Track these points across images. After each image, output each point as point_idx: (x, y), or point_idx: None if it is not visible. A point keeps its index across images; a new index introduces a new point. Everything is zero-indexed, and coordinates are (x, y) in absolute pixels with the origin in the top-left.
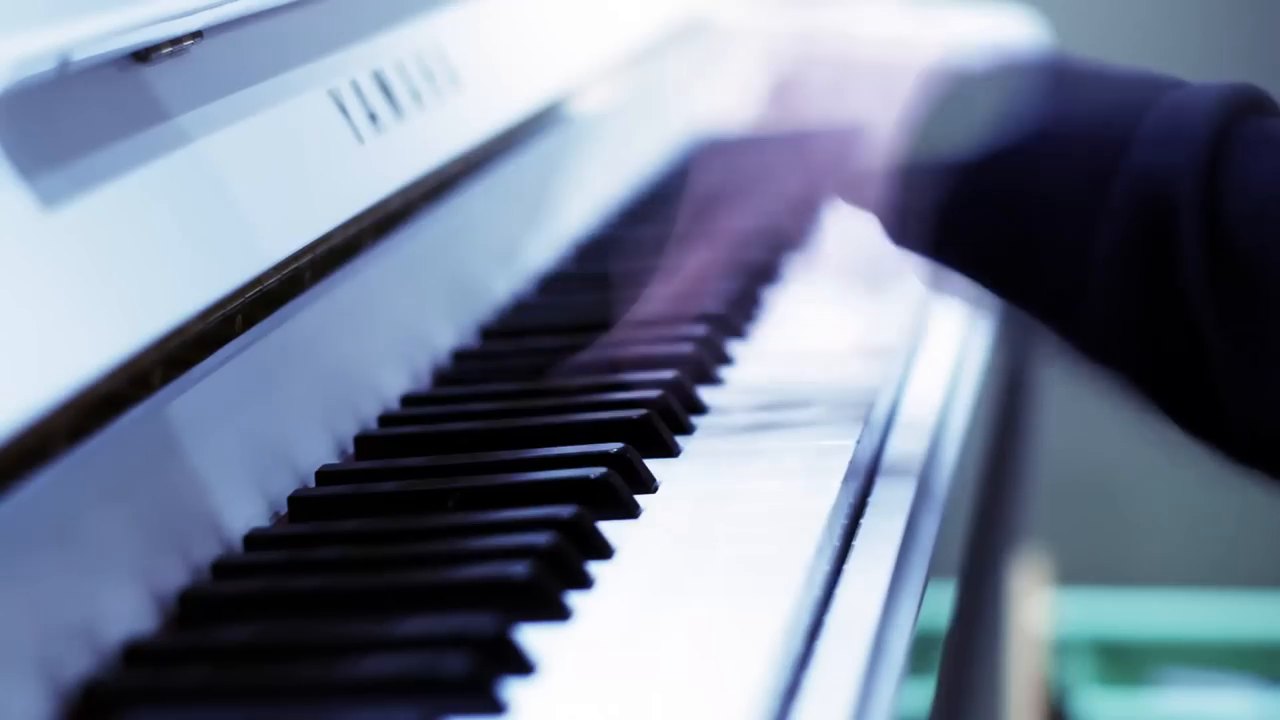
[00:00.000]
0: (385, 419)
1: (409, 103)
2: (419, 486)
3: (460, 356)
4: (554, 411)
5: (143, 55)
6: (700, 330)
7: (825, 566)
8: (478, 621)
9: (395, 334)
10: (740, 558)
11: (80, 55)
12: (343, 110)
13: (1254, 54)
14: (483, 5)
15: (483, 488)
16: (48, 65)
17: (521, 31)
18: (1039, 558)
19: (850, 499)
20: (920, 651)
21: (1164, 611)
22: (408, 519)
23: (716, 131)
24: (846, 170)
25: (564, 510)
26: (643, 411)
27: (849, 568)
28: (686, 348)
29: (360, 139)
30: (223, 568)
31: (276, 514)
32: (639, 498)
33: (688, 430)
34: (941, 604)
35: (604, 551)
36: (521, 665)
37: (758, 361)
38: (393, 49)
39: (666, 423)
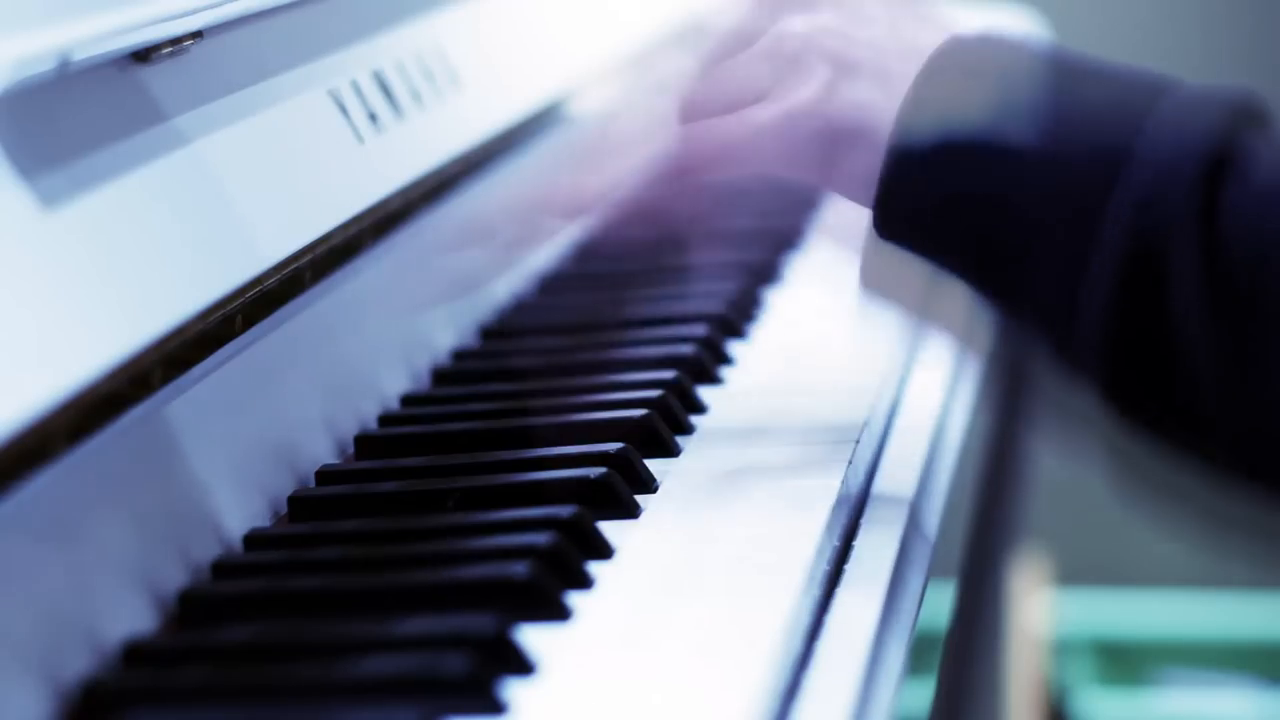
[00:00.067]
0: (385, 419)
1: (409, 103)
2: (419, 486)
3: (460, 356)
4: (554, 411)
5: (143, 55)
6: (700, 330)
7: (825, 566)
8: (478, 621)
9: (395, 334)
10: (740, 558)
11: (80, 55)
12: (343, 110)
13: (1254, 54)
14: (483, 5)
15: (483, 488)
16: (48, 65)
17: (521, 31)
18: (1039, 558)
19: (851, 499)
20: (920, 651)
21: (1164, 611)
22: (408, 519)
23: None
24: (842, 166)
25: (564, 510)
26: (643, 411)
27: (849, 567)
28: (686, 348)
29: (360, 139)
30: (223, 568)
31: (277, 514)
32: (639, 498)
33: (688, 430)
34: (941, 604)
35: (604, 551)
36: (521, 665)
37: (758, 361)
38: (393, 49)
39: (667, 423)
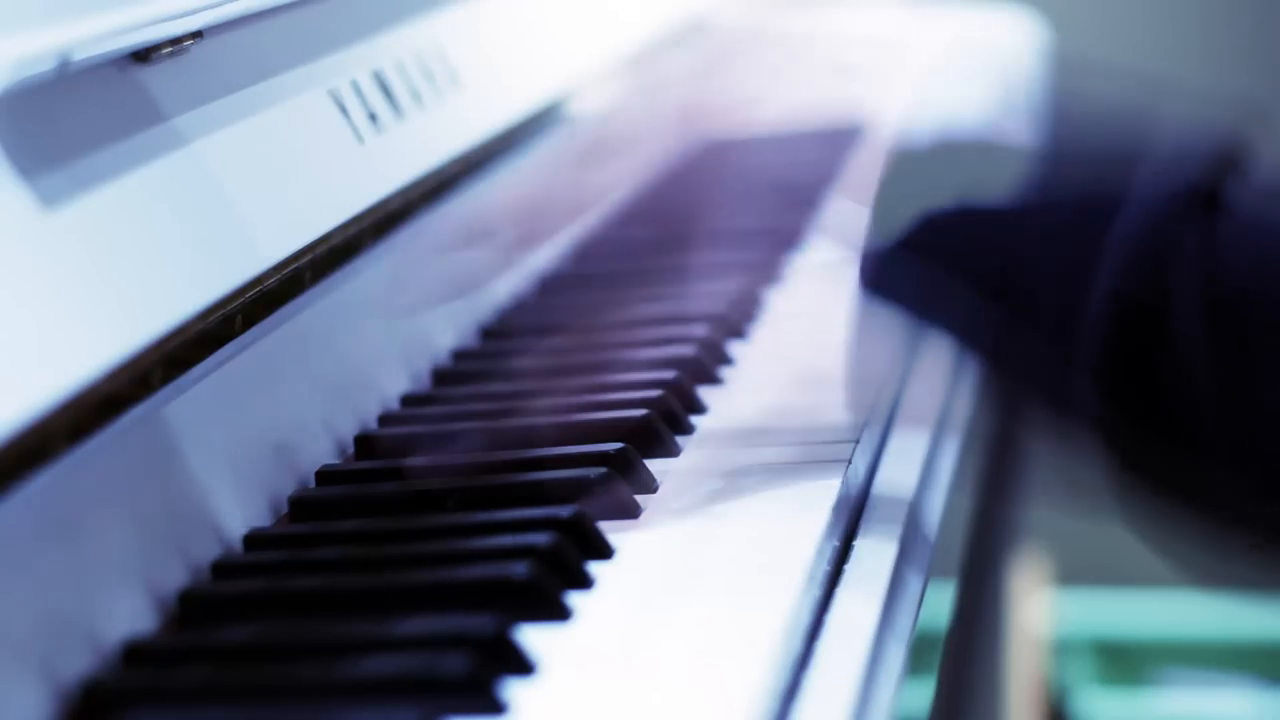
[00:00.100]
0: (385, 419)
1: (409, 103)
2: (419, 486)
3: (460, 356)
4: (554, 412)
5: (143, 55)
6: (700, 330)
7: (825, 566)
8: (477, 621)
9: (395, 334)
10: (740, 558)
11: (80, 55)
12: (343, 110)
13: (1254, 54)
14: (483, 5)
15: (483, 488)
16: (48, 65)
17: (521, 31)
18: (1039, 558)
19: (850, 499)
20: (920, 651)
21: (1164, 611)
22: (408, 519)
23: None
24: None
25: (564, 510)
26: (643, 411)
27: (849, 568)
28: (686, 348)
29: (360, 139)
30: (223, 568)
31: (277, 514)
32: (639, 498)
33: (688, 430)
34: (941, 604)
35: (604, 551)
36: (521, 665)
37: (758, 361)
38: (393, 49)
39: (667, 423)
